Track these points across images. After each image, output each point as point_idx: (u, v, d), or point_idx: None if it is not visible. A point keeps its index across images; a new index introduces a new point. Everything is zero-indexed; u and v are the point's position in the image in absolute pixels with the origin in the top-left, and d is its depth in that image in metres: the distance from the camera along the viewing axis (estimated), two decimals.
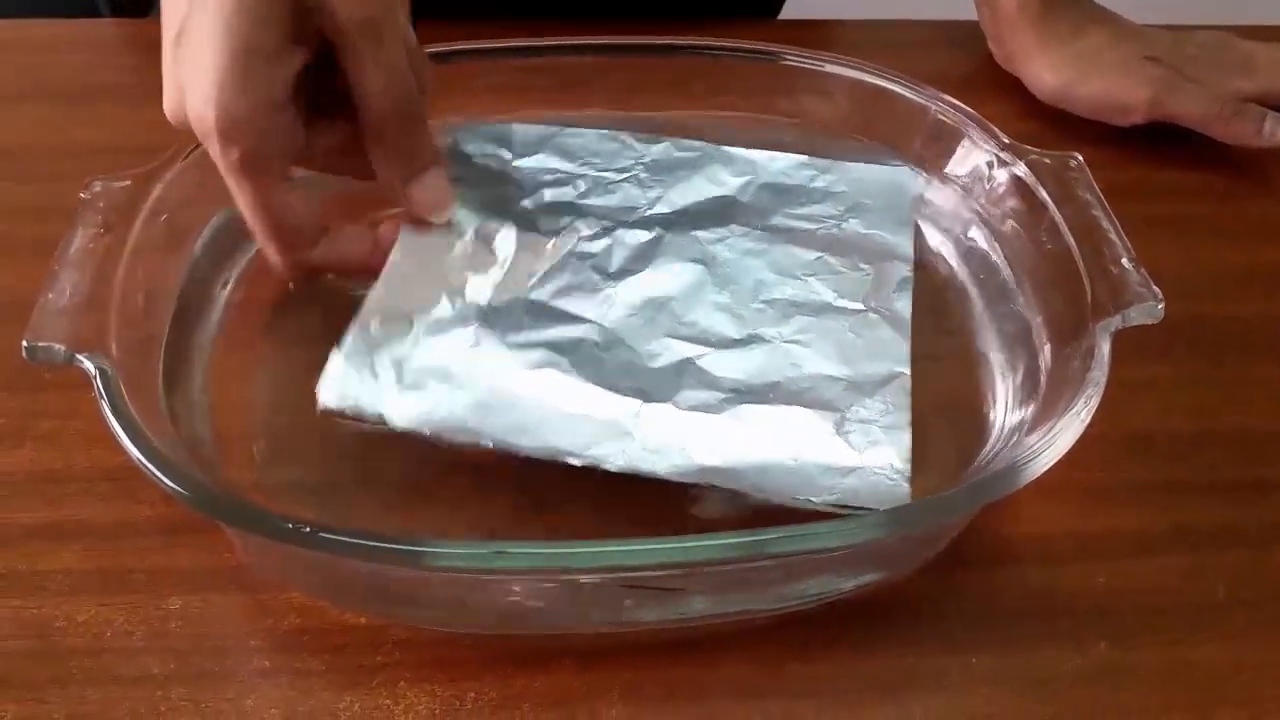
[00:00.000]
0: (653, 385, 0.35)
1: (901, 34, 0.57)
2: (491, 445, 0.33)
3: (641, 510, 0.34)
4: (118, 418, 0.29)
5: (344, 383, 0.34)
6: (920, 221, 0.42)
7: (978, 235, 0.39)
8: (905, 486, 0.32)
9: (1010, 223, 0.38)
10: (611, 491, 0.33)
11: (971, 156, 0.39)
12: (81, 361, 0.30)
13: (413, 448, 0.35)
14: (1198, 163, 0.50)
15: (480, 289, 0.37)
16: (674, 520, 0.34)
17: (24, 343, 0.30)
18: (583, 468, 0.33)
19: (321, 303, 0.39)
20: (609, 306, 0.37)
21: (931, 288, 0.41)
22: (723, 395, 0.35)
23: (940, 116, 0.40)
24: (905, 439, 0.33)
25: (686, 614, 0.32)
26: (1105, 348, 0.32)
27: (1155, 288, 0.33)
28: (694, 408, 0.34)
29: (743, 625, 0.33)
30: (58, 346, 0.30)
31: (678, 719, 0.31)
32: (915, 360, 0.38)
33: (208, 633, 0.32)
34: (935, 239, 0.41)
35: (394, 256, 0.37)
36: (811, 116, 0.43)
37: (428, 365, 0.35)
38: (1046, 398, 0.32)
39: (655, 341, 0.36)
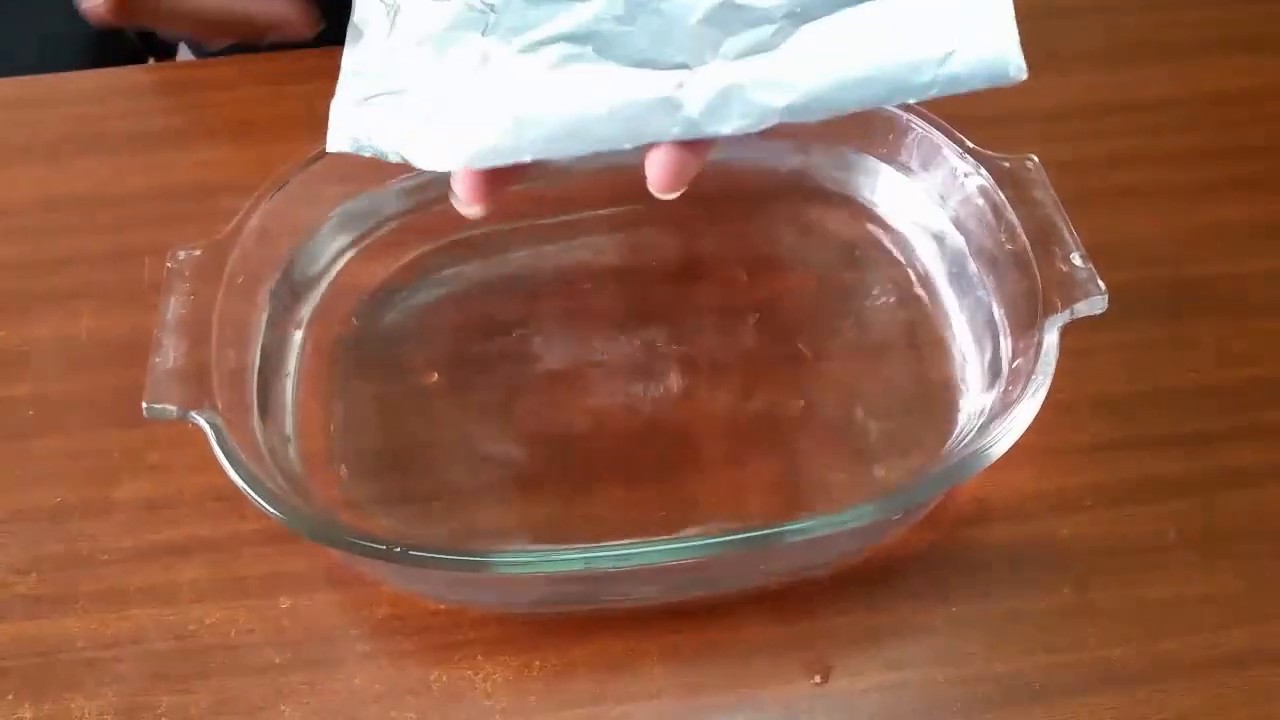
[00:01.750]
0: (693, 47, 0.30)
1: None
2: (531, 159, 0.31)
3: (668, 495, 0.40)
4: (231, 463, 0.35)
5: (349, 125, 0.32)
6: (901, 219, 0.47)
7: (951, 234, 0.44)
8: (1015, 52, 0.29)
9: (977, 222, 0.42)
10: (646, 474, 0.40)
11: (941, 163, 0.44)
12: (195, 418, 0.36)
13: (470, 456, 0.42)
14: (1156, 129, 0.53)
15: None
16: (697, 503, 0.40)
17: (143, 404, 0.36)
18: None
19: (381, 335, 0.45)
20: None
21: (911, 280, 0.46)
22: (775, 27, 0.30)
23: (912, 125, 0.44)
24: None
25: (712, 587, 0.38)
26: (1053, 340, 0.36)
27: (1101, 282, 0.38)
28: (744, 53, 0.30)
29: (761, 591, 0.39)
30: (171, 407, 0.36)
31: (710, 672, 0.37)
32: (899, 348, 0.43)
33: (315, 625, 0.39)
34: (916, 237, 0.46)
35: None
36: (790, 127, 0.47)
37: (438, 95, 0.31)
38: (1008, 384, 0.38)
39: None
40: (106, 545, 0.41)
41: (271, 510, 0.34)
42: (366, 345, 0.45)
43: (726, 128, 0.30)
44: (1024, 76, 0.29)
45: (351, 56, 0.33)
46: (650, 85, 0.30)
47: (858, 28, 0.30)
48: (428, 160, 0.31)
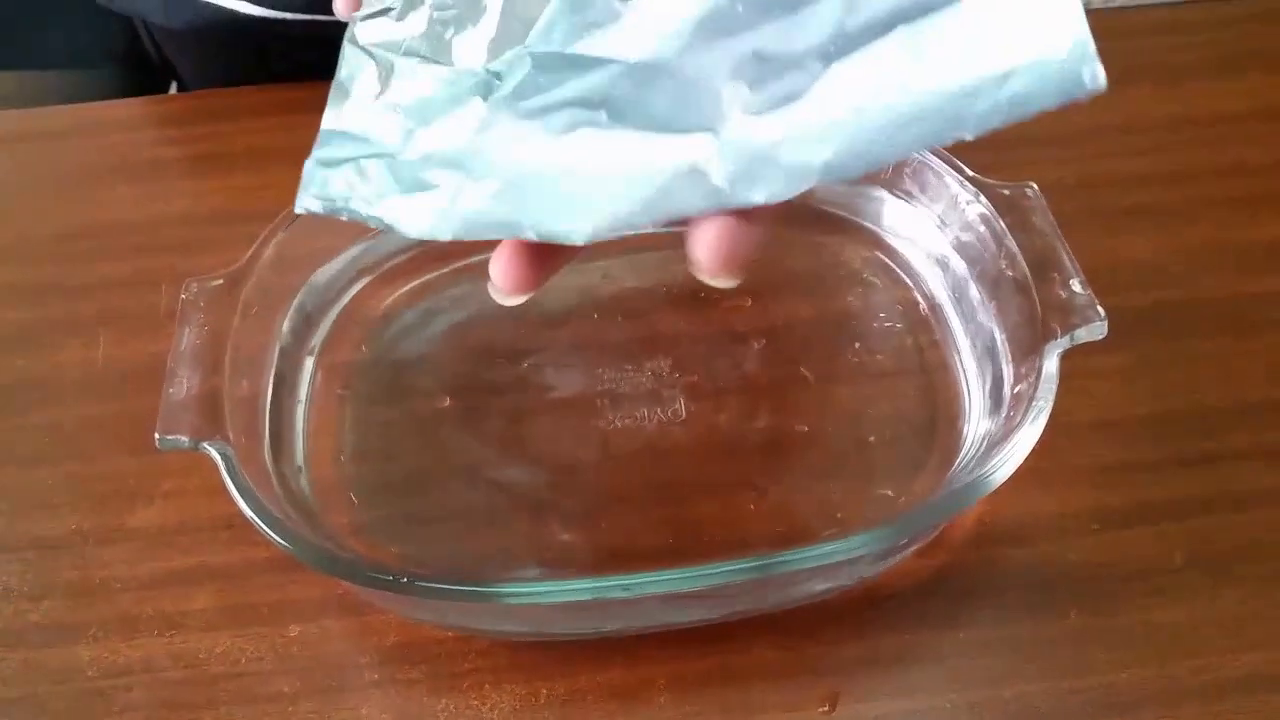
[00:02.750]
0: (716, 107, 0.26)
1: None
2: (535, 236, 0.27)
3: (675, 519, 0.40)
4: (241, 493, 0.35)
5: (324, 186, 0.30)
6: (905, 245, 0.47)
7: (953, 259, 0.44)
8: (1089, 57, 0.23)
9: (978, 248, 0.43)
10: (653, 499, 0.40)
11: (942, 190, 0.44)
12: (207, 449, 0.36)
13: (479, 482, 0.42)
14: (1160, 149, 0.53)
15: (471, 50, 0.30)
16: (704, 527, 0.40)
17: (155, 435, 0.37)
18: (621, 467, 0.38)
19: (391, 362, 0.46)
20: (634, 33, 0.27)
21: (916, 305, 0.46)
22: (806, 72, 0.25)
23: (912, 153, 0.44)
24: None
25: (718, 613, 0.38)
26: (1053, 367, 0.36)
27: (1100, 308, 0.38)
28: (776, 104, 0.25)
29: (768, 617, 0.39)
30: (184, 438, 0.36)
31: (717, 701, 0.37)
32: (905, 373, 0.44)
33: (325, 653, 0.39)
34: (919, 262, 0.47)
35: (348, 36, 0.32)
36: None
37: (428, 155, 0.29)
38: (1010, 410, 0.38)
39: (705, 55, 0.26)
40: (119, 573, 0.41)
41: (280, 541, 0.35)
42: (377, 372, 0.45)
43: (759, 195, 0.25)
44: (1103, 85, 0.23)
45: (334, 115, 0.32)
46: (671, 151, 0.26)
47: (896, 57, 0.24)
48: (413, 226, 0.29)
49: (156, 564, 0.41)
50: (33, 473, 0.44)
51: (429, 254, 0.48)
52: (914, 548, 0.39)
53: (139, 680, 0.38)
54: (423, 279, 0.48)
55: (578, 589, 0.34)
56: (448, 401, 0.44)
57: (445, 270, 0.48)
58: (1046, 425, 0.36)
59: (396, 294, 0.48)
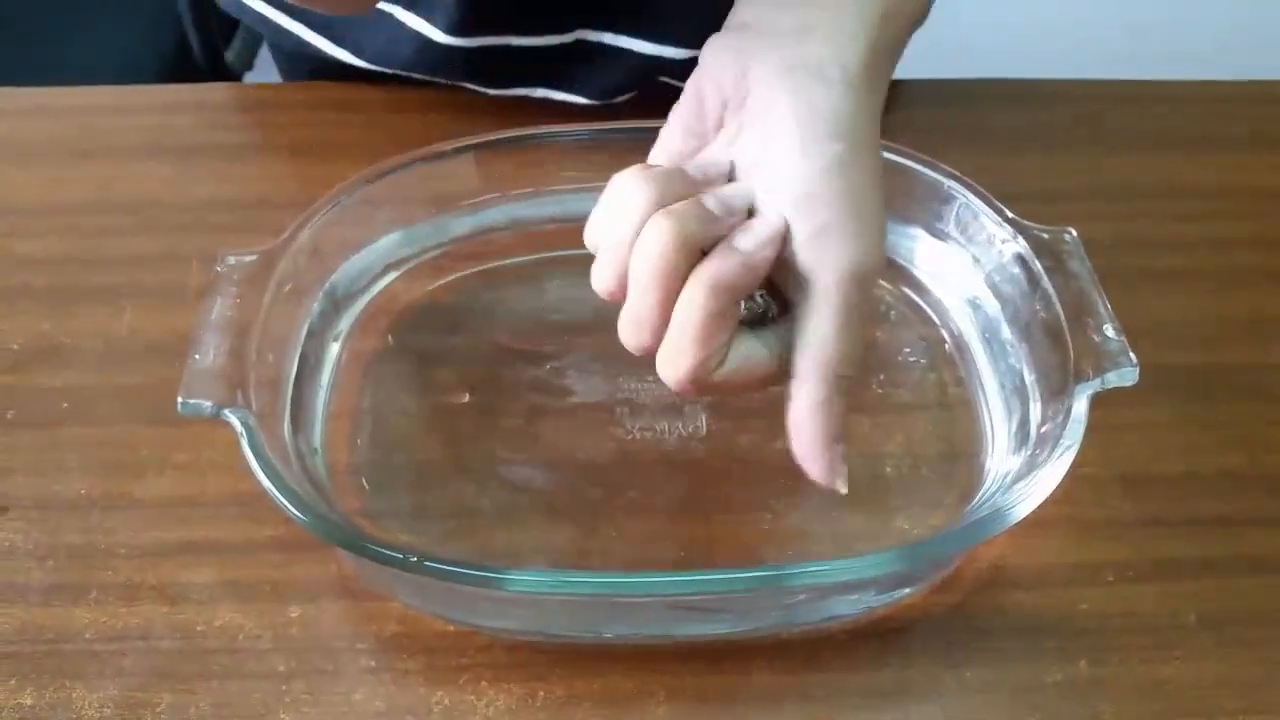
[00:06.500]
0: None
1: (910, 92, 0.59)
2: None
3: (687, 534, 0.40)
4: (259, 462, 0.35)
5: None
6: (934, 283, 0.47)
7: (985, 298, 0.44)
8: None
9: (1012, 289, 0.43)
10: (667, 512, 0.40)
11: (980, 230, 0.44)
12: (228, 416, 0.36)
13: (492, 479, 0.42)
14: (1199, 217, 0.54)
15: None
16: (715, 544, 0.40)
17: (178, 399, 0.37)
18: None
19: (415, 354, 0.46)
20: None
21: (942, 343, 0.46)
22: None
23: (952, 192, 0.44)
24: None
25: (722, 630, 0.38)
26: (1082, 408, 0.36)
27: (1133, 355, 0.38)
28: None
29: (770, 640, 0.38)
30: (206, 403, 0.36)
31: (715, 718, 0.37)
32: (928, 408, 0.43)
33: (323, 636, 0.38)
34: (948, 300, 0.47)
35: None
36: None
37: None
38: (1035, 449, 0.38)
39: None
40: (124, 540, 0.41)
41: (294, 512, 0.34)
42: (400, 363, 0.45)
43: None
44: None
45: None
46: None
47: None
48: None
49: (162, 534, 0.41)
50: (47, 435, 0.44)
51: (459, 253, 0.48)
52: (928, 583, 0.39)
53: (134, 646, 0.38)
54: (451, 278, 0.48)
55: (581, 582, 0.33)
56: (467, 397, 0.44)
57: (474, 270, 0.48)
58: (1068, 475, 0.36)
59: (425, 289, 0.48)
